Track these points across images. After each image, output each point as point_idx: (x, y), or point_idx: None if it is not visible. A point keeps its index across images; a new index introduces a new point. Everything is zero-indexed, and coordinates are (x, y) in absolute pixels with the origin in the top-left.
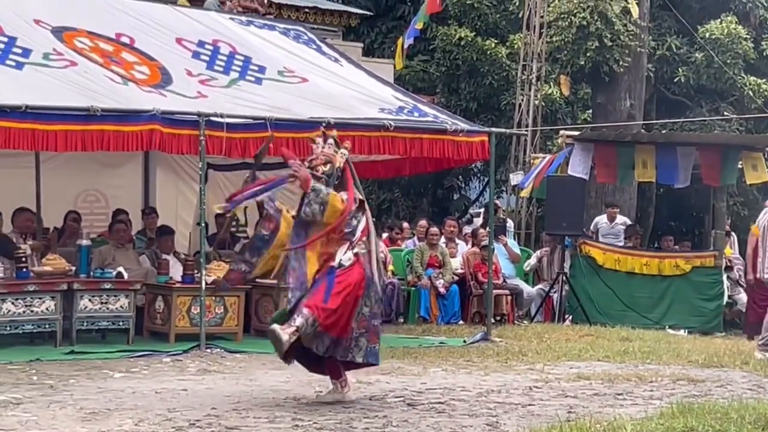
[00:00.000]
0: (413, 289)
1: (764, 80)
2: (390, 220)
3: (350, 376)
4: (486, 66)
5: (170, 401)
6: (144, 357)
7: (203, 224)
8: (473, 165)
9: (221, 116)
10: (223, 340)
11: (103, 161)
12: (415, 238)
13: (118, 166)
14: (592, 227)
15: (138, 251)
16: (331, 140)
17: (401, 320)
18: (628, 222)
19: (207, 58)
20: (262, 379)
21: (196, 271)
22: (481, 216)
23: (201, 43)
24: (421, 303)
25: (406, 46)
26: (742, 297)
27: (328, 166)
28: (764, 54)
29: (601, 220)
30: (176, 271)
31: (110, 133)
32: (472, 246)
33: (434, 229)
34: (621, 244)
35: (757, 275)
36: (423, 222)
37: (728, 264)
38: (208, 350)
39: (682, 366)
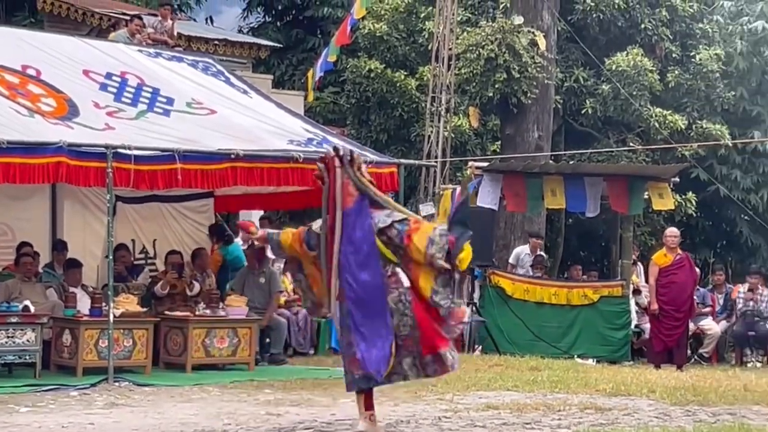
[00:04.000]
0: (323, 320)
1: (670, 112)
2: None
3: None
4: (396, 98)
5: None
6: (51, 391)
7: (111, 257)
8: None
9: (129, 148)
10: (131, 374)
11: (9, 194)
12: None
13: (24, 198)
14: (512, 259)
15: (45, 284)
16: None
17: (311, 352)
18: (543, 254)
19: (115, 90)
20: (171, 413)
21: (104, 304)
22: None
23: (109, 75)
24: (332, 334)
25: (317, 79)
26: (649, 326)
27: None
28: (670, 86)
29: (524, 251)
30: (84, 304)
31: (16, 166)
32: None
33: None
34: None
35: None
36: None
37: (636, 288)
38: (116, 383)
39: (590, 395)
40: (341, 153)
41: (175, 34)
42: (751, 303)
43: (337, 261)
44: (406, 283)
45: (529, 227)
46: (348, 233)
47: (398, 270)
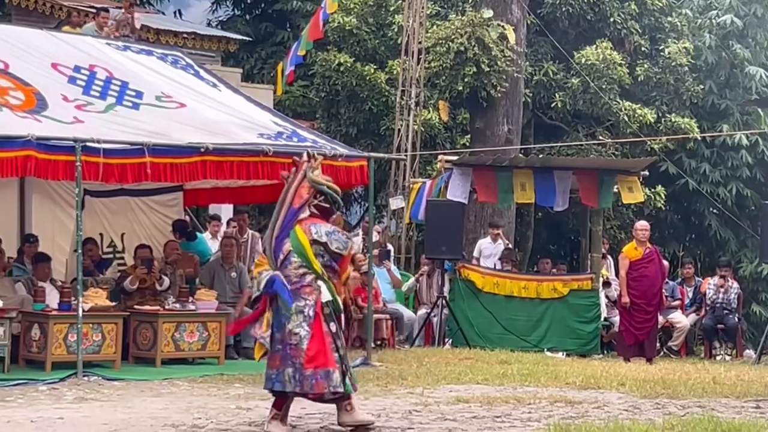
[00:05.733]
0: None
1: (639, 105)
2: None
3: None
4: (365, 91)
5: (46, 430)
6: (19, 386)
7: (80, 251)
8: (353, 190)
9: (98, 142)
10: (101, 368)
11: None
12: None
13: None
14: (475, 252)
15: (14, 279)
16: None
17: None
18: (509, 245)
19: (83, 83)
20: (141, 407)
21: (73, 299)
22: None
23: (77, 68)
24: None
25: (287, 73)
26: (618, 319)
27: None
28: (639, 79)
29: (484, 242)
30: (53, 298)
31: None
32: (352, 271)
33: None
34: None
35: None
36: None
37: (606, 280)
38: (86, 378)
39: (560, 388)
40: (311, 157)
41: (138, 26)
42: (721, 294)
43: (272, 254)
44: (324, 297)
45: (499, 220)
46: (284, 232)
47: (321, 283)
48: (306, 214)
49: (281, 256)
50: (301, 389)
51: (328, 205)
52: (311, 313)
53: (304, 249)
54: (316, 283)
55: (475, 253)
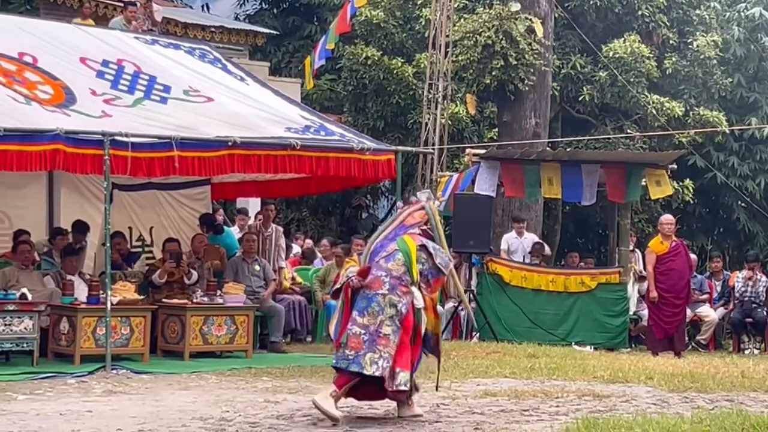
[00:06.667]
0: (323, 307)
1: (667, 98)
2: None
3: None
4: (393, 85)
5: (75, 423)
6: (48, 379)
7: (108, 245)
8: (381, 183)
9: (126, 136)
10: (129, 361)
11: (6, 181)
12: (321, 257)
13: (21, 186)
14: (503, 244)
15: (42, 272)
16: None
17: (309, 339)
18: (536, 239)
19: (111, 78)
20: (169, 400)
21: (101, 292)
22: None
23: (105, 63)
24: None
25: (316, 67)
26: (647, 312)
27: None
28: (667, 72)
29: (510, 236)
30: (81, 291)
31: (13, 153)
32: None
33: (338, 249)
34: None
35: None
36: (325, 242)
37: (641, 275)
38: (114, 371)
39: (588, 382)
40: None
41: (159, 19)
42: (750, 288)
43: (368, 259)
44: (418, 304)
45: (526, 214)
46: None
47: (414, 289)
48: (416, 231)
49: (384, 254)
50: (381, 373)
51: (432, 234)
52: (404, 310)
53: (410, 250)
54: (411, 287)
55: (503, 246)
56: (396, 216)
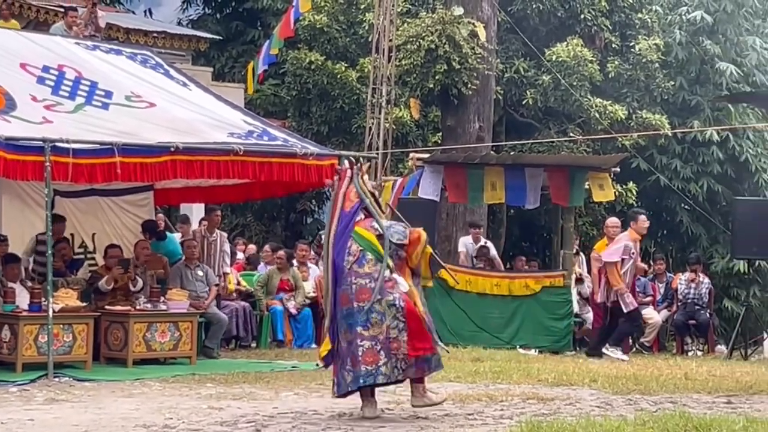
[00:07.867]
0: (267, 312)
1: (610, 102)
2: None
3: None
4: (337, 90)
5: None
6: None
7: (50, 251)
8: (326, 189)
9: (67, 142)
10: (72, 369)
11: None
12: (264, 263)
13: None
14: (461, 246)
15: None
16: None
17: (254, 345)
18: (486, 243)
19: (52, 84)
20: (112, 407)
21: (43, 299)
22: None
23: (46, 68)
24: (278, 326)
25: (260, 72)
26: (591, 315)
27: None
28: (609, 76)
29: (467, 241)
30: (23, 299)
31: None
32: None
33: (280, 253)
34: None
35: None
36: (267, 247)
37: (578, 277)
38: (56, 379)
39: (533, 385)
40: (353, 165)
41: (102, 25)
42: (693, 290)
43: (331, 261)
44: (404, 288)
45: (470, 218)
46: (344, 237)
47: (395, 276)
48: (361, 216)
49: (351, 258)
50: (404, 376)
51: (370, 210)
52: (402, 304)
53: (374, 244)
54: (393, 275)
55: (461, 248)
56: (334, 202)
